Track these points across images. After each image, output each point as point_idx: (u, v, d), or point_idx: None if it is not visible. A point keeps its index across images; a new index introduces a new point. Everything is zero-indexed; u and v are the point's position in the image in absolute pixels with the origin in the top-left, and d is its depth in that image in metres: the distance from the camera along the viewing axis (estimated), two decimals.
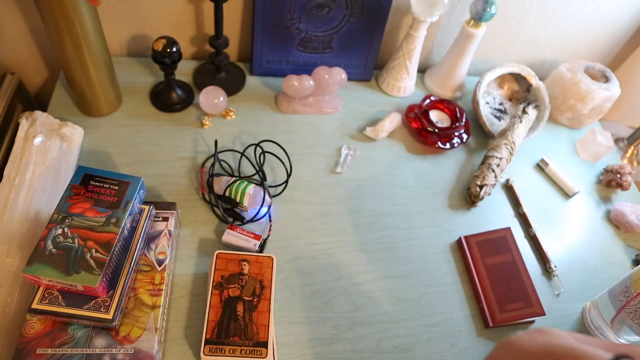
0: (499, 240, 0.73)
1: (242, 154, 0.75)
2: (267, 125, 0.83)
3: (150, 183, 0.71)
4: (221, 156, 0.76)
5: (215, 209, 0.70)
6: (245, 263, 0.61)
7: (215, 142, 0.75)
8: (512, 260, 0.71)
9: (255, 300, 0.58)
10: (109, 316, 0.52)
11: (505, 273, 0.70)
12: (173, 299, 0.61)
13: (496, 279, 0.69)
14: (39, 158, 0.65)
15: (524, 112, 0.85)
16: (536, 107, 0.88)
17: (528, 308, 0.66)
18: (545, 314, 0.66)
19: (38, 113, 0.70)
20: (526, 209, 0.79)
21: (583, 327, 0.68)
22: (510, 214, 0.80)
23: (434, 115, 0.88)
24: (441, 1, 0.78)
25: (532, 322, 0.68)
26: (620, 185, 0.85)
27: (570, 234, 0.79)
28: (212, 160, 0.75)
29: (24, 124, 0.68)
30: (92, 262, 0.51)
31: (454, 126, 0.85)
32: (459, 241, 0.74)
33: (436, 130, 0.84)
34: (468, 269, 0.71)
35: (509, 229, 0.74)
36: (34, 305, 0.51)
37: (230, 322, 0.56)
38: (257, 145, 0.75)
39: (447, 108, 0.88)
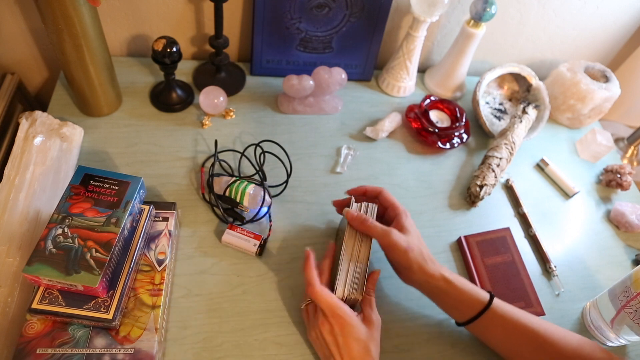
0: (499, 240, 0.73)
1: (242, 154, 0.75)
2: (267, 125, 0.83)
3: (150, 183, 0.71)
4: (221, 156, 0.76)
5: (215, 209, 0.70)
6: None
7: (215, 142, 0.75)
8: (512, 260, 0.71)
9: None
10: (109, 316, 0.52)
11: (505, 273, 0.70)
12: (173, 299, 0.61)
13: (496, 278, 0.69)
14: (39, 158, 0.65)
15: (524, 112, 0.85)
16: (536, 107, 0.88)
17: (528, 308, 0.67)
18: (545, 314, 0.66)
19: (38, 113, 0.70)
20: (526, 209, 0.79)
21: (583, 327, 0.69)
22: (510, 214, 0.80)
23: (434, 115, 0.87)
24: (441, 1, 0.78)
25: None
26: (620, 185, 0.85)
27: (570, 234, 0.79)
28: (212, 160, 0.75)
29: (24, 124, 0.68)
30: (92, 262, 0.51)
31: (454, 126, 0.85)
32: (459, 241, 0.74)
33: (436, 130, 0.84)
34: (468, 268, 0.71)
35: (508, 229, 0.74)
36: (34, 305, 0.51)
37: None
38: (257, 145, 0.75)
39: (447, 108, 0.88)
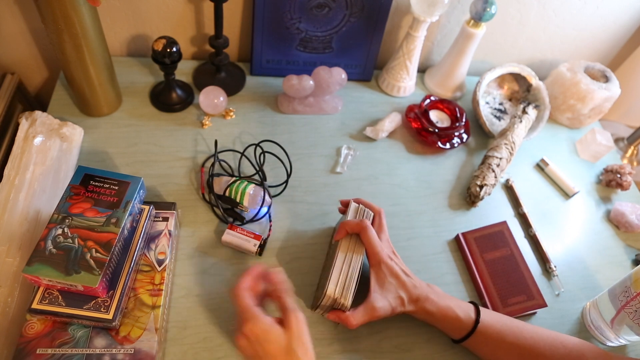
0: (496, 235, 0.73)
1: (242, 154, 0.75)
2: (267, 125, 0.83)
3: (150, 183, 0.71)
4: (221, 156, 0.76)
5: (215, 209, 0.70)
6: None
7: (215, 142, 0.75)
8: (511, 254, 0.72)
9: None
10: (109, 316, 0.52)
11: (505, 267, 0.70)
12: (173, 299, 0.61)
13: (496, 273, 0.70)
14: (39, 158, 0.65)
15: (524, 112, 0.85)
16: (536, 107, 0.88)
17: (530, 300, 0.67)
18: (546, 305, 0.67)
19: (38, 113, 0.70)
20: (526, 209, 0.79)
21: (583, 326, 0.69)
22: (510, 214, 0.80)
23: (434, 115, 0.88)
24: (441, 1, 0.78)
25: (534, 313, 0.68)
26: (620, 185, 0.85)
27: (570, 234, 0.79)
28: (212, 160, 0.75)
29: (24, 124, 0.68)
30: (92, 262, 0.51)
31: (454, 126, 0.85)
32: (457, 238, 0.74)
33: (436, 130, 0.84)
34: (468, 266, 0.71)
35: (504, 222, 0.74)
36: (34, 305, 0.51)
37: None
38: (257, 145, 0.75)
39: (447, 108, 0.88)
